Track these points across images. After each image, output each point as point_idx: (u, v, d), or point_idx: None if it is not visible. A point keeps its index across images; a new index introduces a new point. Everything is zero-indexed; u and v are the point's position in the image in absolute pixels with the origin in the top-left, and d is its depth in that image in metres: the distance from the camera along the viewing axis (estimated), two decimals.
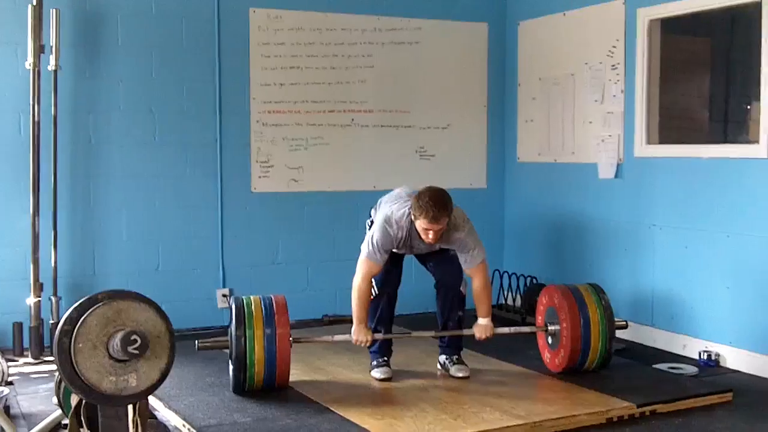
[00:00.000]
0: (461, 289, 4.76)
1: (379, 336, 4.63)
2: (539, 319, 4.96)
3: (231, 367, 4.40)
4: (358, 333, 4.55)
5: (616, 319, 4.76)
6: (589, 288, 4.81)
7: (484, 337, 4.66)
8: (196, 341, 4.48)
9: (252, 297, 4.48)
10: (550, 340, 4.82)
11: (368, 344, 4.59)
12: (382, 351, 4.76)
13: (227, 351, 4.45)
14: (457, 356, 4.82)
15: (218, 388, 4.54)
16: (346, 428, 3.90)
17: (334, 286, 6.25)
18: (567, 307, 4.66)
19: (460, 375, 4.72)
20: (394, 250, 4.61)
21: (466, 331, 4.71)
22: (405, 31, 6.49)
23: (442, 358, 4.85)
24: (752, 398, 4.51)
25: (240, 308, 4.36)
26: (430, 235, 4.38)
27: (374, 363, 4.75)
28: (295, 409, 4.17)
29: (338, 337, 4.67)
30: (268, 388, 4.38)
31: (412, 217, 4.41)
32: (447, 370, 4.79)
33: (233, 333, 4.29)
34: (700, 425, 4.08)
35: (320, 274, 6.34)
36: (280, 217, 6.25)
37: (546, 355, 4.87)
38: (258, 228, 6.18)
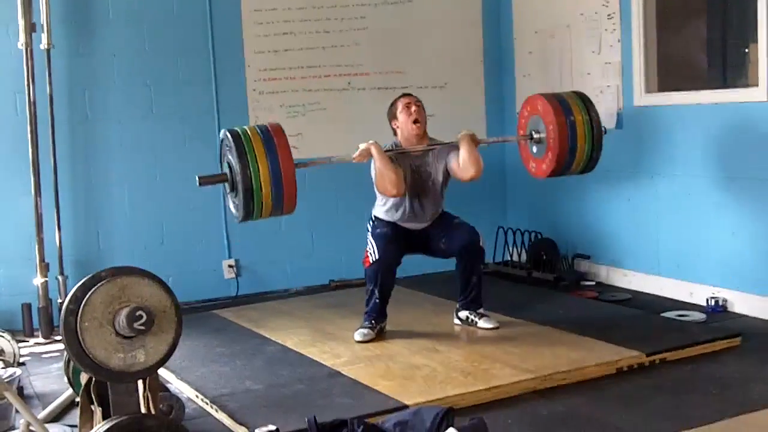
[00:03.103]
0: (481, 244, 4.78)
1: (382, 150, 4.64)
2: (521, 132, 4.92)
3: (235, 199, 4.26)
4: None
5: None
6: (573, 95, 4.79)
7: (470, 139, 4.70)
8: (197, 176, 4.29)
9: (245, 127, 4.30)
10: (534, 149, 4.80)
11: (375, 150, 4.60)
12: (373, 314, 4.76)
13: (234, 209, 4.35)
14: (481, 310, 4.84)
15: (229, 357, 4.56)
16: (358, 390, 3.92)
17: (339, 251, 6.25)
18: (552, 110, 4.63)
19: (490, 326, 4.76)
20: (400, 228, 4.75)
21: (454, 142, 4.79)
22: None
23: (464, 313, 4.88)
24: (761, 342, 4.52)
25: (237, 137, 4.18)
26: (413, 108, 4.75)
27: (363, 324, 4.77)
28: (307, 374, 4.19)
29: (337, 158, 4.82)
30: (277, 212, 4.28)
31: (394, 126, 4.87)
32: (473, 323, 4.83)
33: (235, 162, 4.13)
34: (710, 371, 4.10)
35: (325, 240, 6.34)
36: None
37: (531, 165, 4.86)
38: None
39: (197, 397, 4.01)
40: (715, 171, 5.19)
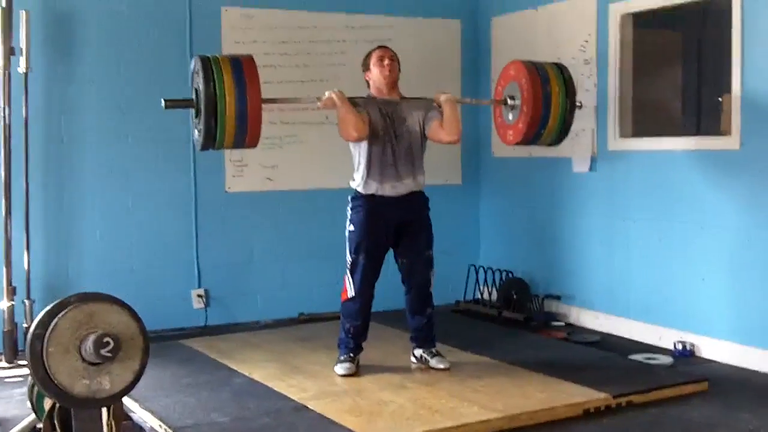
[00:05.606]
0: (430, 290, 4.81)
1: (344, 97, 4.55)
2: (498, 98, 4.96)
3: (199, 125, 4.24)
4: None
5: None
6: (552, 66, 4.84)
7: (447, 97, 4.68)
8: (162, 99, 4.30)
9: (217, 55, 4.31)
10: (510, 116, 4.83)
11: (338, 98, 4.54)
12: (350, 346, 4.75)
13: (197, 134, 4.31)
14: (435, 349, 4.83)
15: (195, 388, 4.51)
16: (325, 426, 3.89)
17: (310, 284, 6.25)
18: (530, 78, 4.66)
19: (442, 366, 4.73)
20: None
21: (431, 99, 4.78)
22: (377, 28, 6.46)
23: (419, 351, 4.85)
24: (727, 387, 4.55)
25: (206, 62, 4.18)
26: (386, 62, 4.66)
27: (340, 358, 4.74)
28: (273, 408, 4.16)
29: (305, 101, 4.92)
30: (240, 141, 4.29)
31: (366, 78, 4.76)
32: (426, 363, 4.79)
33: (201, 84, 4.13)
34: (676, 414, 4.11)
35: (296, 273, 6.31)
36: (255, 217, 6.22)
37: (508, 133, 4.87)
38: (233, 227, 6.15)
39: (161, 427, 3.96)
40: (687, 217, 5.24)
